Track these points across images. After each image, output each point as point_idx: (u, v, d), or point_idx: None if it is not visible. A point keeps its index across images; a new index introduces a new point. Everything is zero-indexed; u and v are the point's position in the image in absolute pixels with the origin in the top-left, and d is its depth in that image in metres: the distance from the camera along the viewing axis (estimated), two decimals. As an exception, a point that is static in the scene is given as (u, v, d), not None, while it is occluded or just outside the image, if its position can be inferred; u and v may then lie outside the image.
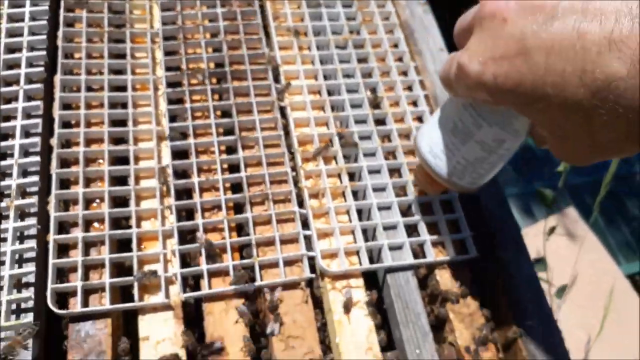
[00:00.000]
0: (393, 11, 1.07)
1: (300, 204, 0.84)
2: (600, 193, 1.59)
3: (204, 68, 0.93)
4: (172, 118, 0.89)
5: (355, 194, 0.88)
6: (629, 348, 1.83)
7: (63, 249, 0.75)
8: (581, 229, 2.00)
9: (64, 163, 0.81)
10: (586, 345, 1.62)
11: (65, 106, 0.86)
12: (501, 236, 0.85)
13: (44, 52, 0.87)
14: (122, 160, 0.84)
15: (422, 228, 0.84)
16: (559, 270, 1.78)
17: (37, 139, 0.81)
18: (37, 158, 0.79)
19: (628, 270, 2.01)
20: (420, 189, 0.77)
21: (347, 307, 0.76)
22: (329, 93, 0.96)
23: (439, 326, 0.82)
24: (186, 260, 0.78)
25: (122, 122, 0.86)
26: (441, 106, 0.68)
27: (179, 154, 0.85)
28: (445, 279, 0.82)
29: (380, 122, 0.95)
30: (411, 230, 0.85)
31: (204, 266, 0.75)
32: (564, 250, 1.85)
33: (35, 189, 0.77)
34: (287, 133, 0.91)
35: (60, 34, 0.91)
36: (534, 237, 1.77)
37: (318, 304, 0.79)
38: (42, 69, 0.86)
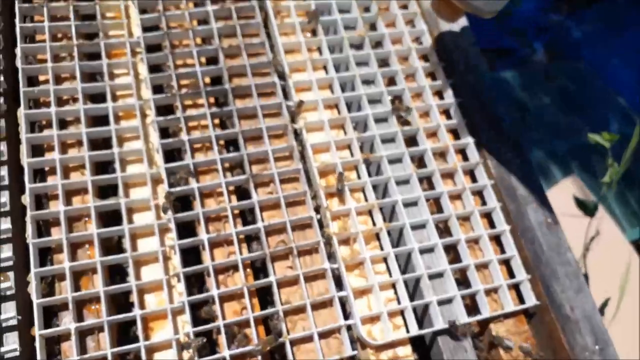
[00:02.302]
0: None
1: (328, 249, 0.71)
2: (619, 170, 1.49)
3: (200, 86, 0.77)
4: (168, 155, 0.73)
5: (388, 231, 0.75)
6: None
7: None
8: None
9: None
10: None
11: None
12: (559, 277, 0.74)
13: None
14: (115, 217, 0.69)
15: (472, 274, 0.72)
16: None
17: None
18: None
19: (631, 236, 1.94)
20: (439, 17, 0.79)
21: (395, 380, 0.65)
22: (348, 107, 0.81)
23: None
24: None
25: (110, 163, 0.71)
26: None
27: (179, 199, 0.71)
28: (501, 334, 0.71)
29: (412, 141, 0.81)
30: (459, 275, 0.74)
31: (225, 352, 0.62)
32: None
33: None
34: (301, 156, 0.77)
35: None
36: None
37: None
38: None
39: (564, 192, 2.12)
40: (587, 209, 0.97)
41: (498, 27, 2.72)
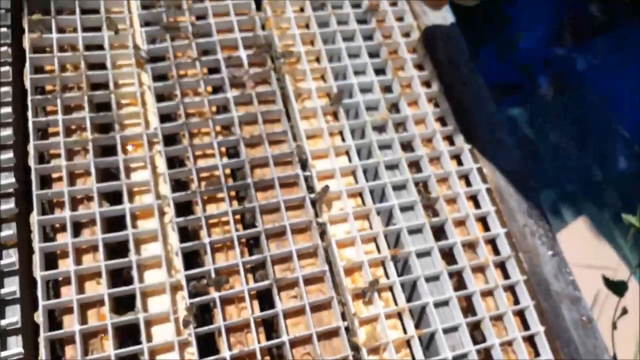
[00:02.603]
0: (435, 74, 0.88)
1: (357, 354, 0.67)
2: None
3: (221, 182, 0.73)
4: (187, 258, 0.70)
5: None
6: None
7: None
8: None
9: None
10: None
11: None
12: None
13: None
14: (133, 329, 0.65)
15: (508, 382, 0.69)
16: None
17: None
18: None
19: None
20: (425, 4, 0.83)
21: None
22: (372, 194, 0.78)
23: None
24: None
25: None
26: None
27: (199, 307, 0.67)
28: None
29: (439, 231, 0.78)
30: (492, 381, 0.70)
31: None
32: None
33: None
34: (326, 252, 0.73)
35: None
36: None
37: None
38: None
39: (575, 235, 2.09)
40: (617, 289, 0.94)
41: (504, 62, 2.70)
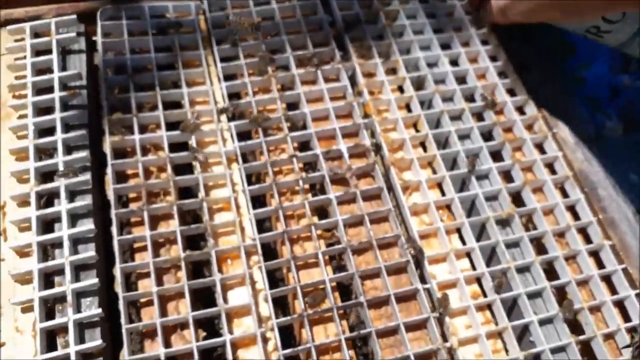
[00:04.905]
0: (560, 155, 0.77)
1: None
2: None
3: (330, 301, 0.63)
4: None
5: None
6: None
7: None
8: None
9: None
10: None
11: None
12: None
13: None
14: None
15: None
16: None
17: None
18: None
19: None
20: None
21: None
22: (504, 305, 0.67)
23: None
24: None
25: None
26: None
27: None
28: None
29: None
30: None
31: None
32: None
33: None
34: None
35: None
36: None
37: None
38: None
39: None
40: None
41: (569, 95, 2.56)
